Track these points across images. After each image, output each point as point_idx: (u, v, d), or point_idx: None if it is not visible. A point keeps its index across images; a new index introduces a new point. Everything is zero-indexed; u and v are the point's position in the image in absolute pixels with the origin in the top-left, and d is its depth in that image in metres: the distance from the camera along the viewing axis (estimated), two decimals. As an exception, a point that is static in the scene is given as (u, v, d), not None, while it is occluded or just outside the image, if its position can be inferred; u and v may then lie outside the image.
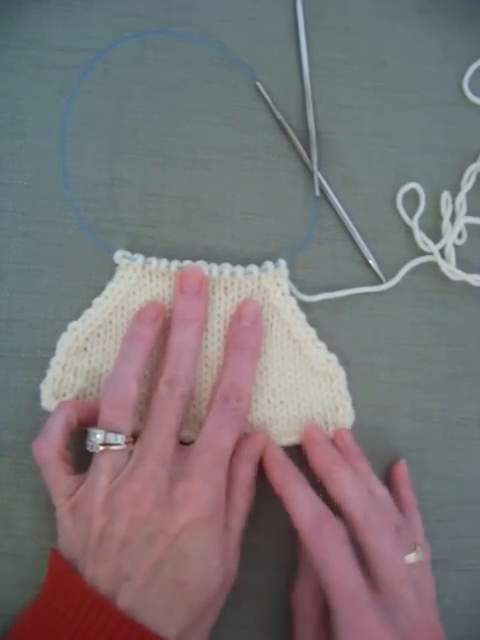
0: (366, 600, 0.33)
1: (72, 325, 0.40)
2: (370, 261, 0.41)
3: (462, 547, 0.40)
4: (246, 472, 0.37)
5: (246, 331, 0.39)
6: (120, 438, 0.35)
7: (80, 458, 0.36)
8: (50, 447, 0.35)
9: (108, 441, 0.34)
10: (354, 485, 0.36)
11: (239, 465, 0.37)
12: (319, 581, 0.34)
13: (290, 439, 0.39)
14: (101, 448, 0.34)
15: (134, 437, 0.36)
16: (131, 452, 0.35)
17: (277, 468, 0.37)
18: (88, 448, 0.35)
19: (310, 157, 0.42)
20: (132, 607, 0.32)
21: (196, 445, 0.35)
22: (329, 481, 0.36)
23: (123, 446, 0.35)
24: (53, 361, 0.39)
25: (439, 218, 0.42)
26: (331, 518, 0.34)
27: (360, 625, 0.33)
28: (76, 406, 0.37)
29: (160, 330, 0.38)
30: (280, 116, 0.42)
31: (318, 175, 0.42)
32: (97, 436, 0.34)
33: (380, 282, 0.41)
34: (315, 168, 0.42)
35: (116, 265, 0.40)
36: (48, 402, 0.39)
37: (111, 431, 0.35)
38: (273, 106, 0.42)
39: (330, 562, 0.33)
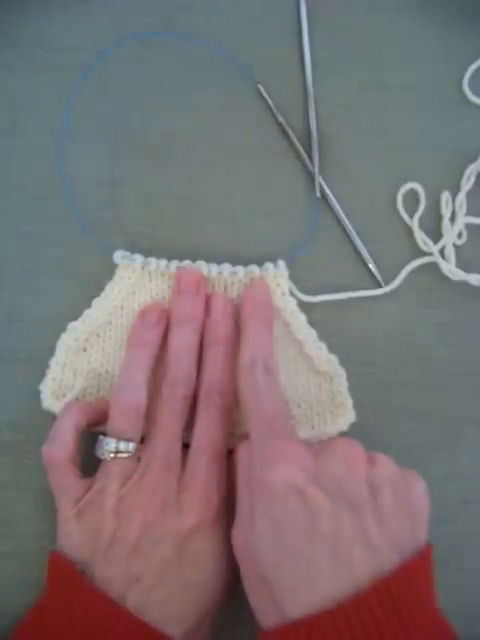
0: (285, 419, 0.34)
1: (72, 325, 0.40)
2: (369, 265, 0.41)
3: (462, 547, 0.40)
4: None
5: (217, 325, 0.38)
6: (131, 446, 0.35)
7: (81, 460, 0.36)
8: (63, 451, 0.35)
9: (119, 449, 0.35)
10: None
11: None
12: None
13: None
14: (112, 456, 0.35)
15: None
16: (139, 458, 0.35)
17: (251, 305, 0.38)
18: (98, 455, 0.35)
19: (311, 159, 0.42)
20: (140, 607, 0.32)
21: (192, 448, 0.36)
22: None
23: (133, 453, 0.35)
24: (53, 361, 0.39)
25: (439, 218, 0.42)
26: (269, 360, 0.36)
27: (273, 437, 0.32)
28: (84, 409, 0.37)
29: (164, 332, 0.38)
30: (281, 119, 0.42)
31: (319, 180, 0.42)
32: (111, 445, 0.35)
33: (380, 285, 0.41)
34: (317, 171, 0.42)
35: (116, 265, 0.40)
36: (49, 402, 0.39)
37: (122, 439, 0.35)
38: (274, 109, 0.42)
39: (257, 393, 0.34)
